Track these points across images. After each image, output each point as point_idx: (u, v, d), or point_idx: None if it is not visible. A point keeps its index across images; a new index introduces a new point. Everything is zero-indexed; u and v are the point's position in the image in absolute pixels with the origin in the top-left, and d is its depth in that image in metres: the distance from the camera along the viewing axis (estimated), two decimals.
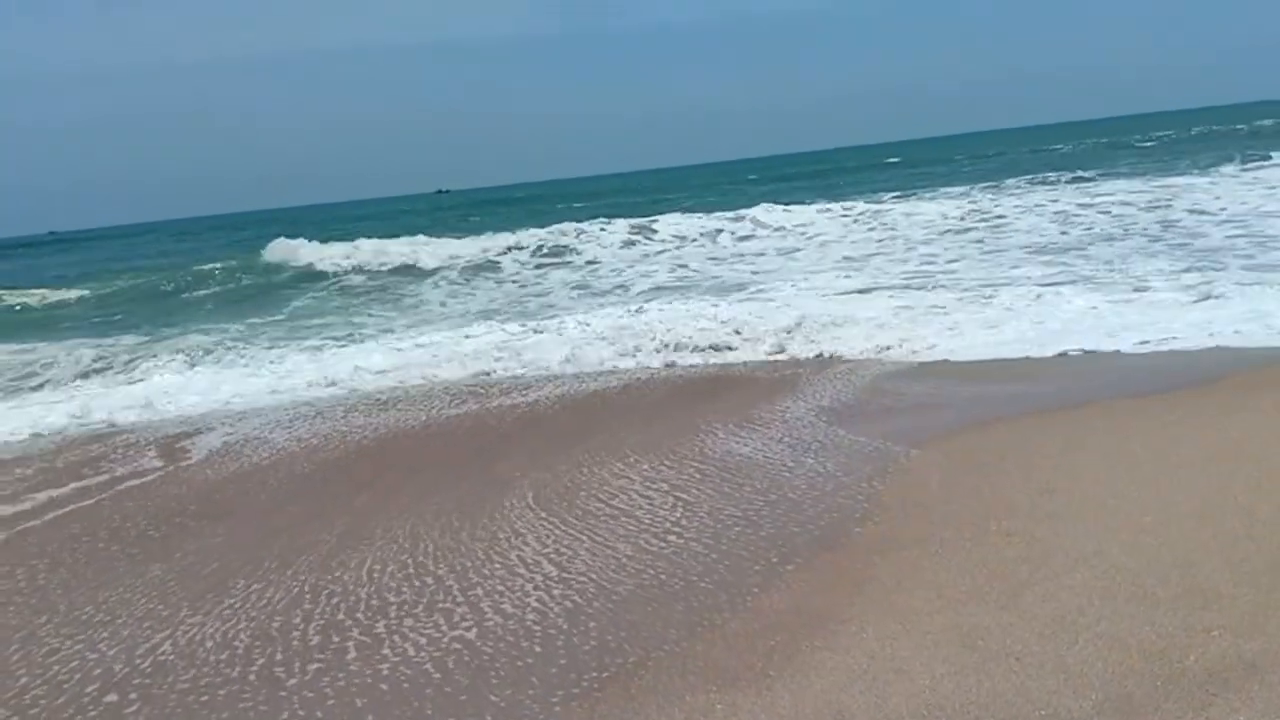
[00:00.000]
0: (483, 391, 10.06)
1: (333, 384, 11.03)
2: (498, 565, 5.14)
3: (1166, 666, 3.40)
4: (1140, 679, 3.35)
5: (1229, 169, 27.24)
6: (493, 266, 22.86)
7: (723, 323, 11.81)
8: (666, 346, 11.04)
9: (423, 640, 4.38)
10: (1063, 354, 9.02)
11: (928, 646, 3.75)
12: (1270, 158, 29.50)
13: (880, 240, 20.72)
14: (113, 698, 4.19)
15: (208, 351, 14.13)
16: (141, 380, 12.53)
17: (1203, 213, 18.38)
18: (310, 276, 23.25)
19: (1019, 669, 3.50)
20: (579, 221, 26.98)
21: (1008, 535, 4.68)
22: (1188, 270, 12.75)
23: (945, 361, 9.35)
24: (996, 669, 3.53)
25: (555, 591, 4.73)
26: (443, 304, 18.58)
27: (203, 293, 22.82)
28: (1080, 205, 21.70)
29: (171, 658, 4.51)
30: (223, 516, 6.59)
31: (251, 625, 4.76)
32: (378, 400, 10.12)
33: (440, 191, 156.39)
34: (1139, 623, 3.70)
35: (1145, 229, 17.61)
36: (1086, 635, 3.67)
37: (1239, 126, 54.19)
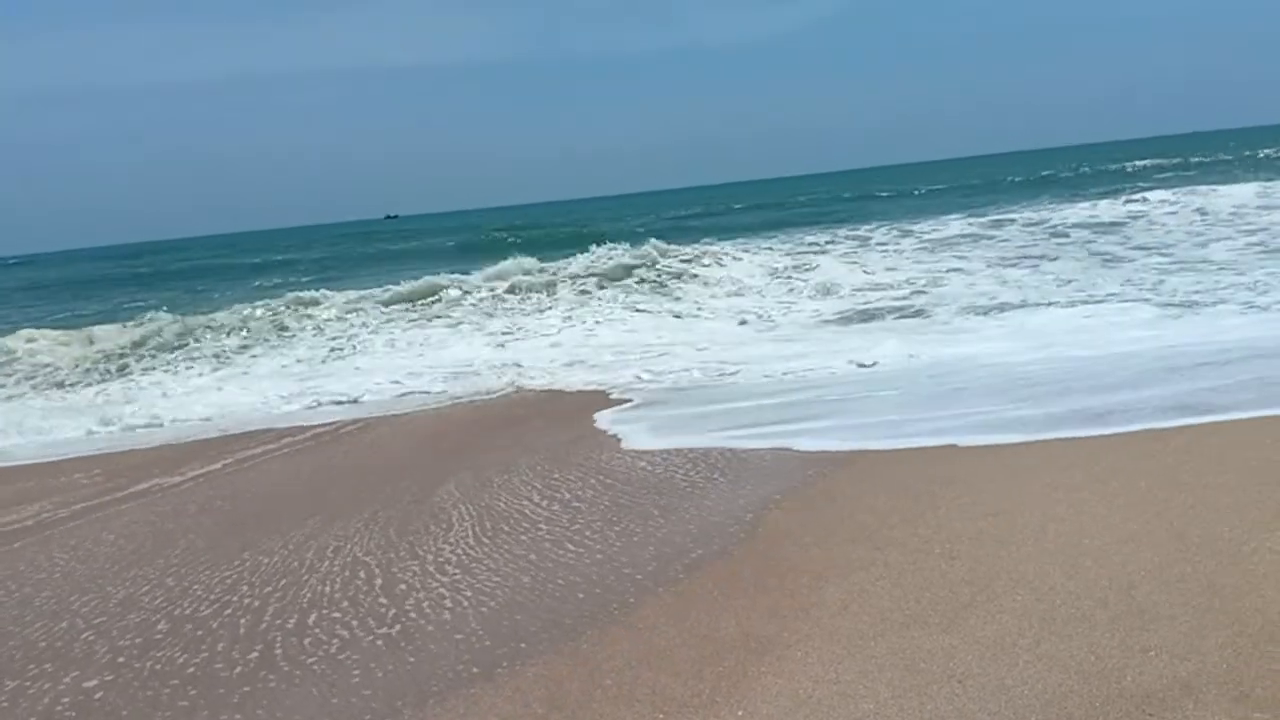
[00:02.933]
0: None
1: None
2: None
3: (1104, 687, 3.46)
4: (1079, 699, 3.41)
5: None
6: None
7: None
8: None
9: None
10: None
11: (872, 670, 3.79)
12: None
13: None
14: None
15: None
16: None
17: None
18: None
19: (961, 691, 3.55)
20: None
21: (951, 559, 4.75)
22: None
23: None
24: (939, 692, 3.57)
25: (501, 623, 4.72)
26: None
27: None
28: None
29: None
30: None
31: None
32: None
33: (389, 217, 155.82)
34: (1078, 644, 3.77)
35: None
36: (1026, 657, 3.73)
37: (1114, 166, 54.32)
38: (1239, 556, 4.34)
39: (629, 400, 10.26)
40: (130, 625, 5.22)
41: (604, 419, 9.31)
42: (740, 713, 3.63)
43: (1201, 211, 22.94)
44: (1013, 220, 25.76)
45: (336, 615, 5.06)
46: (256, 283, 33.74)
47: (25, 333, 19.79)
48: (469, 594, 5.14)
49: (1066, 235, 22.54)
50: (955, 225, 26.09)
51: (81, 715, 4.30)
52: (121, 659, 4.80)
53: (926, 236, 24.79)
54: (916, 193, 53.16)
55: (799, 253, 23.48)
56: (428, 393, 12.12)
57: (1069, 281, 16.61)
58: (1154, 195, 26.53)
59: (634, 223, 45.42)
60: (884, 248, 23.96)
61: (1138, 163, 53.95)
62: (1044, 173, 58.55)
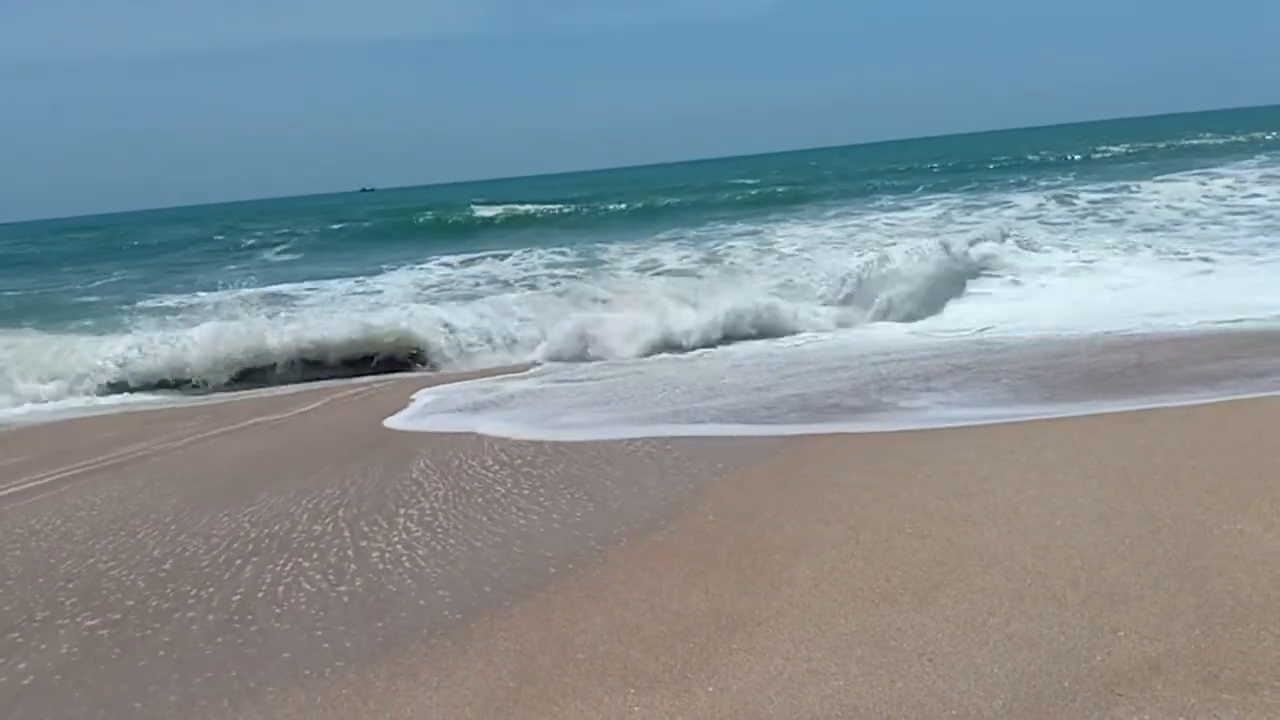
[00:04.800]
0: None
1: None
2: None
3: (1074, 666, 3.47)
4: (1048, 679, 3.41)
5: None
6: None
7: None
8: None
9: None
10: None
11: (842, 648, 3.78)
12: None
13: None
14: None
15: None
16: None
17: None
18: None
19: (931, 670, 3.55)
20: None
21: (922, 538, 4.75)
22: None
23: None
24: (909, 670, 3.57)
25: (473, 592, 4.70)
26: None
27: None
28: None
29: None
30: None
31: None
32: None
33: (365, 190, 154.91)
34: (1048, 624, 3.77)
35: None
36: (997, 636, 3.73)
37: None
38: (1210, 539, 4.36)
39: None
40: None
41: None
42: (710, 689, 3.62)
43: None
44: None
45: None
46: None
47: None
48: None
49: None
50: None
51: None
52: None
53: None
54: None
55: None
56: None
57: None
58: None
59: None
60: None
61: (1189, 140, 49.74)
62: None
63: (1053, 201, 23.01)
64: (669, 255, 20.20)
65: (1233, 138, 46.99)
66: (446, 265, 22.17)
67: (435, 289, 19.02)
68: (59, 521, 6.55)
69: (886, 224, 22.69)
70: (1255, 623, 3.61)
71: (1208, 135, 50.34)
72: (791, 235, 21.11)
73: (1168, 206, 20.70)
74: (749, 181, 47.27)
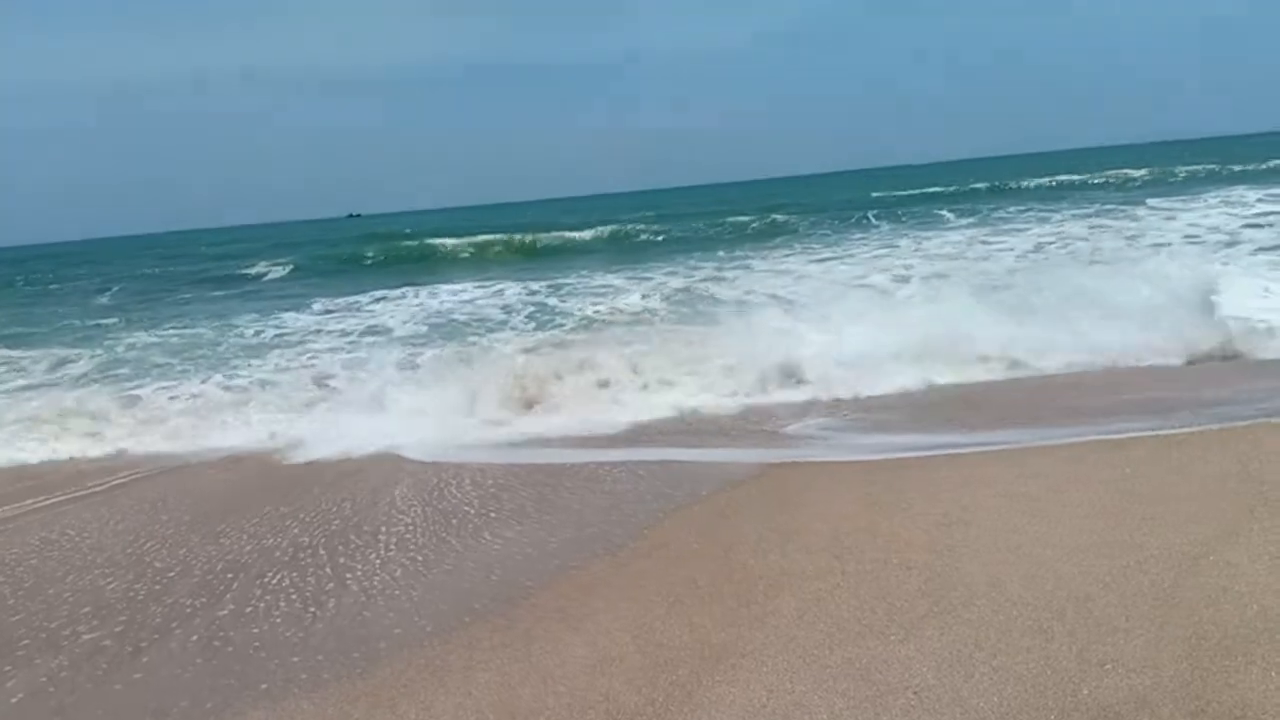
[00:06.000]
0: None
1: None
2: None
3: (1060, 700, 3.43)
4: (1034, 713, 3.37)
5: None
6: None
7: None
8: None
9: None
10: None
11: (827, 680, 3.74)
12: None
13: None
14: None
15: None
16: None
17: None
18: None
19: (917, 704, 3.50)
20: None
21: (908, 568, 4.71)
22: None
23: None
24: (894, 703, 3.52)
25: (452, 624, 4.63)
26: None
27: None
28: None
29: None
30: None
31: None
32: None
33: (352, 215, 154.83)
34: (1034, 656, 3.73)
35: None
36: (983, 669, 3.69)
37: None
38: (1196, 569, 4.33)
39: None
40: None
41: None
42: None
43: None
44: None
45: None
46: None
47: None
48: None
49: None
50: None
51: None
52: None
53: None
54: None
55: None
56: None
57: None
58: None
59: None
60: None
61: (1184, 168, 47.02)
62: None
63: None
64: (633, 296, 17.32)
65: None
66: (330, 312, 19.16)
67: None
68: None
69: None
70: (1242, 655, 3.58)
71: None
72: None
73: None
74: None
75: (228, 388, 11.65)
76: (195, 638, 4.83)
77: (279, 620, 4.96)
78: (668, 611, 4.55)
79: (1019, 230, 23.48)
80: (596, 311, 16.29)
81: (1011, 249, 20.07)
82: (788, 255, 22.58)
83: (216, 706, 4.12)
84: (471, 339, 14.43)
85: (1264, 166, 40.51)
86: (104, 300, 27.47)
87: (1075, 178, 48.25)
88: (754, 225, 34.16)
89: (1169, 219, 22.35)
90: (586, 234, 36.74)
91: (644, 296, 17.23)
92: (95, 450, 9.65)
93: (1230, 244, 17.29)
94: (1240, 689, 3.38)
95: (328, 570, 5.59)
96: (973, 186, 48.83)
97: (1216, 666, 3.52)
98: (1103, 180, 44.92)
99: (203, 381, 12.09)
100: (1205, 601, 4.02)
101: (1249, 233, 18.41)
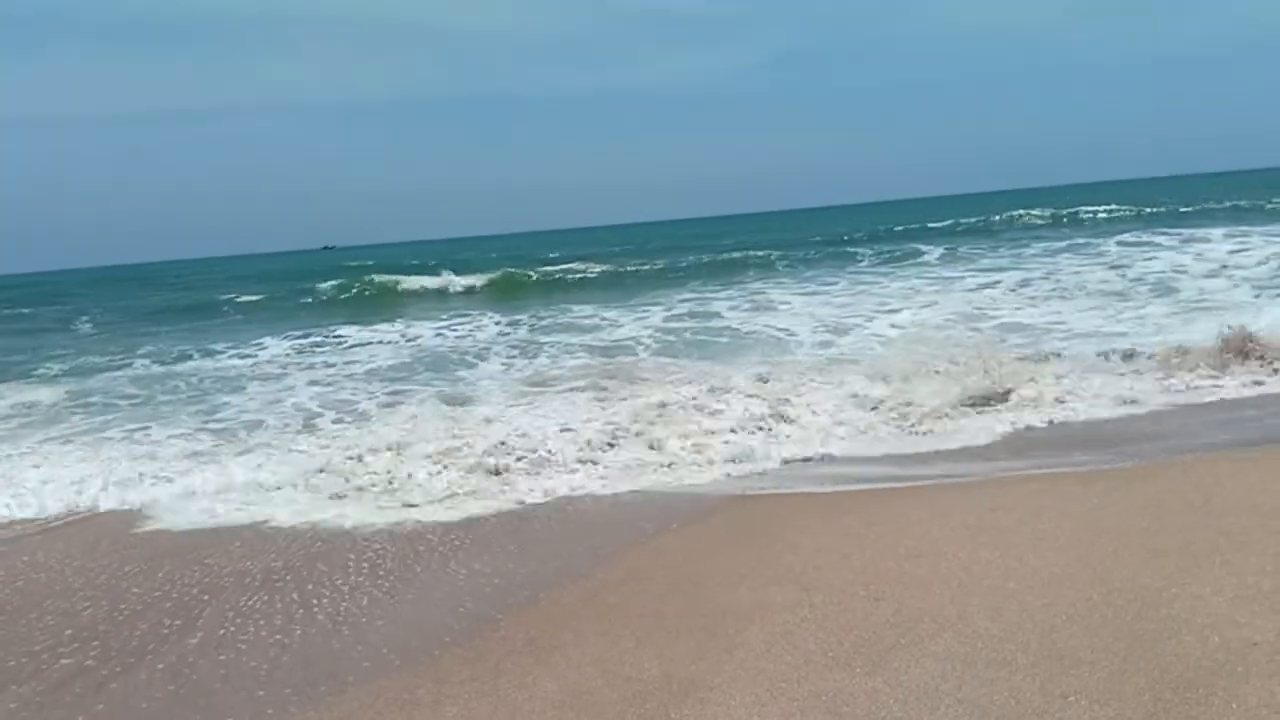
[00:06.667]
0: None
1: None
2: None
3: None
4: None
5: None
6: None
7: None
8: None
9: None
10: None
11: (795, 713, 3.74)
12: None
13: None
14: None
15: None
16: None
17: None
18: None
19: None
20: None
21: (875, 600, 4.72)
22: None
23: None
24: None
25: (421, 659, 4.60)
26: None
27: None
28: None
29: None
30: None
31: None
32: None
33: (327, 248, 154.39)
34: (999, 688, 3.75)
35: None
36: (948, 701, 3.70)
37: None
38: (1160, 602, 4.36)
39: None
40: None
41: None
42: None
43: None
44: None
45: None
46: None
47: None
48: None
49: None
50: None
51: None
52: None
53: None
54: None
55: None
56: None
57: None
58: None
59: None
60: None
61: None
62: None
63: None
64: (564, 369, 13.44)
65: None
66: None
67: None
68: None
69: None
70: (1204, 687, 3.61)
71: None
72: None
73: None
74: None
75: None
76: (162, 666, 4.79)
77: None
78: (636, 645, 4.54)
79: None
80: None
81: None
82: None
83: None
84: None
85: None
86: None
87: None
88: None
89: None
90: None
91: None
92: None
93: None
94: None
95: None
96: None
97: (1179, 699, 3.55)
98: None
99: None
100: (1168, 634, 4.05)
101: None
